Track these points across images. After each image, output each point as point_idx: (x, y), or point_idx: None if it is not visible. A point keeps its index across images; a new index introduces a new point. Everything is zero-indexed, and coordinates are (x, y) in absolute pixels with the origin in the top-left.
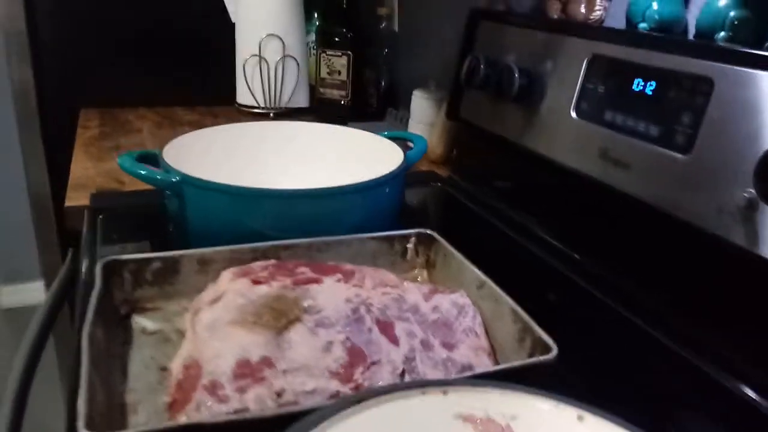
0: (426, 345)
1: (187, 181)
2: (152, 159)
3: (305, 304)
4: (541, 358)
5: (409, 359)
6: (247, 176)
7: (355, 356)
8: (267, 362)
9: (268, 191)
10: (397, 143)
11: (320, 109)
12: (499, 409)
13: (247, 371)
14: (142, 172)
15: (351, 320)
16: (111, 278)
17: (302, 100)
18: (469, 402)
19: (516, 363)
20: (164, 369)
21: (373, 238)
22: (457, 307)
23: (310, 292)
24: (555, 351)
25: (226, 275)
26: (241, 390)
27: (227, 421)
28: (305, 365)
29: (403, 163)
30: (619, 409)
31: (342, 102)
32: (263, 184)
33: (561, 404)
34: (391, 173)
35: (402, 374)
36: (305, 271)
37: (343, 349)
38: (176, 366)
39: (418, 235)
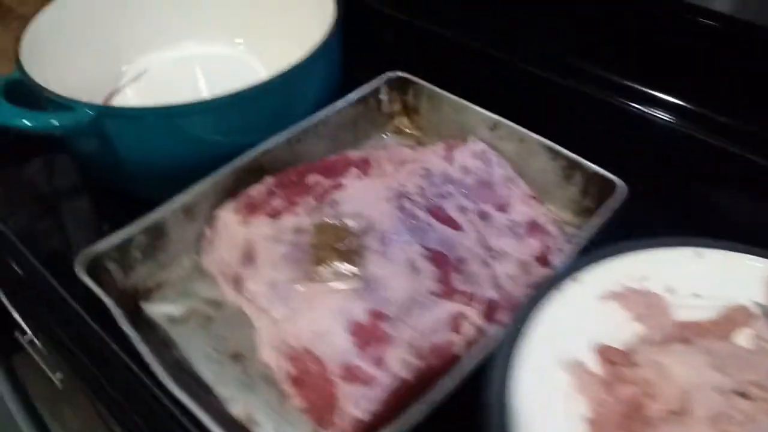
0: (483, 215)
1: (112, 113)
2: (15, 87)
3: (351, 223)
4: (616, 197)
5: (480, 240)
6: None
7: (441, 263)
8: (376, 314)
9: (218, 101)
10: None
11: None
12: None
13: (366, 334)
14: (28, 122)
15: (406, 223)
16: (99, 277)
17: None
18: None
19: (602, 214)
20: (237, 356)
21: (348, 104)
22: (482, 159)
23: (342, 206)
24: (623, 186)
25: (227, 216)
26: (378, 361)
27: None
28: (411, 300)
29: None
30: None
31: None
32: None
33: (679, 248)
34: (327, 37)
35: (485, 261)
36: (317, 179)
37: (426, 261)
38: (272, 357)
39: (388, 81)
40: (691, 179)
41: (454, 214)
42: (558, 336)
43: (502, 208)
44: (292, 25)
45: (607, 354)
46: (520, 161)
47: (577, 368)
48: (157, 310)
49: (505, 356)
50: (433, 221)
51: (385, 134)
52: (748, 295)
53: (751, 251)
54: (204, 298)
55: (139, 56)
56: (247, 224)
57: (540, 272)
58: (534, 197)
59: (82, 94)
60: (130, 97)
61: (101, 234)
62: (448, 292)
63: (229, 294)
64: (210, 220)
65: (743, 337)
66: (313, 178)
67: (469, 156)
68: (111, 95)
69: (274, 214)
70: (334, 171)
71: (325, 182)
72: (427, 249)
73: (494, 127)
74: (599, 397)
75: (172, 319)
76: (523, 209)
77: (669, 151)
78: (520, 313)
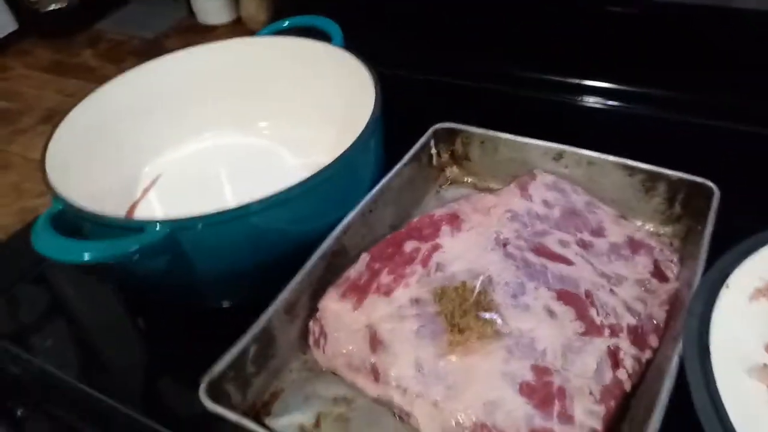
0: (584, 245)
1: (186, 225)
2: (60, 214)
3: (469, 282)
4: (714, 200)
5: (595, 270)
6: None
7: (574, 301)
8: (540, 370)
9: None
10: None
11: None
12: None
13: (539, 393)
14: (88, 255)
15: (522, 269)
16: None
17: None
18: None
19: (710, 219)
20: None
21: (404, 165)
22: (557, 189)
23: (450, 266)
24: (715, 188)
25: (335, 306)
26: (565, 418)
27: None
28: (564, 346)
29: (375, 82)
30: None
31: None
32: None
33: None
34: (373, 115)
35: (609, 290)
36: (414, 245)
37: (559, 303)
38: None
39: (435, 134)
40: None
41: (559, 250)
42: (733, 345)
43: (597, 233)
44: (316, 106)
45: None
46: (593, 185)
47: (761, 371)
48: (285, 422)
49: (698, 377)
50: (546, 261)
51: (440, 187)
52: None
53: None
54: (330, 398)
55: (156, 157)
56: (362, 309)
57: (662, 287)
58: (621, 216)
59: (106, 205)
60: (154, 204)
61: (203, 356)
62: (592, 329)
63: (369, 387)
64: (312, 314)
65: None
66: (410, 245)
67: (544, 189)
68: (134, 205)
69: (386, 292)
70: (426, 233)
71: (423, 246)
72: (554, 290)
73: (559, 156)
74: None
75: (305, 428)
76: (617, 230)
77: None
78: (690, 331)
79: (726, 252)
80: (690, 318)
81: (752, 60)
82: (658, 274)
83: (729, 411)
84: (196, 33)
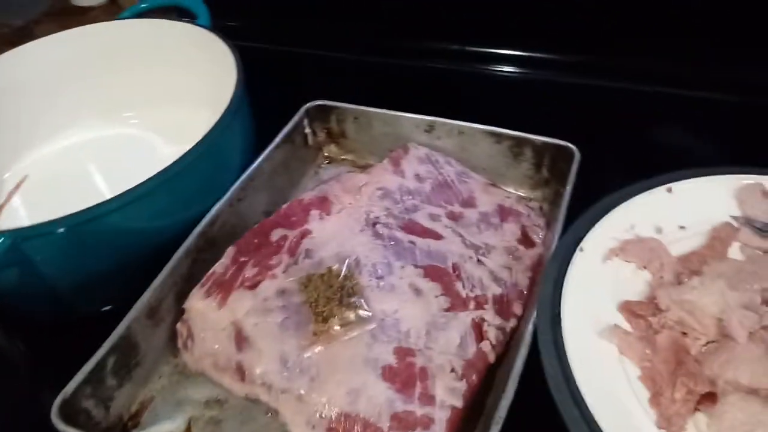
0: (454, 217)
1: (30, 234)
2: None
3: (335, 267)
4: (574, 162)
5: (463, 242)
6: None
7: (439, 276)
8: (402, 352)
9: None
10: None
11: None
12: None
13: (402, 376)
14: None
15: (390, 248)
16: (79, 425)
17: None
18: None
19: (570, 181)
20: None
21: (276, 147)
22: (429, 162)
23: (318, 252)
24: (576, 150)
25: (200, 304)
26: (426, 399)
27: None
28: (428, 324)
29: (236, 60)
30: None
31: None
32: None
33: (649, 190)
34: (235, 95)
35: (477, 261)
36: (282, 233)
37: (425, 279)
38: None
39: (308, 113)
40: (616, 128)
41: (429, 224)
42: (586, 307)
43: (467, 203)
44: (184, 89)
45: (632, 309)
46: (465, 154)
47: (614, 332)
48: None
49: (549, 343)
50: (413, 238)
51: (318, 167)
52: (724, 212)
53: (711, 172)
54: (201, 402)
55: (20, 157)
56: (227, 306)
57: (528, 253)
58: (491, 184)
59: None
60: (20, 210)
61: (54, 376)
62: (458, 303)
63: (235, 387)
64: (179, 315)
65: (734, 251)
66: (277, 233)
67: (416, 163)
68: None
69: (252, 285)
70: (294, 219)
71: (291, 233)
72: (421, 267)
73: (430, 128)
74: (642, 353)
75: None
76: (486, 198)
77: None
78: (544, 297)
79: (585, 214)
80: (544, 284)
81: (614, 17)
82: (526, 240)
83: (579, 376)
84: (69, 16)
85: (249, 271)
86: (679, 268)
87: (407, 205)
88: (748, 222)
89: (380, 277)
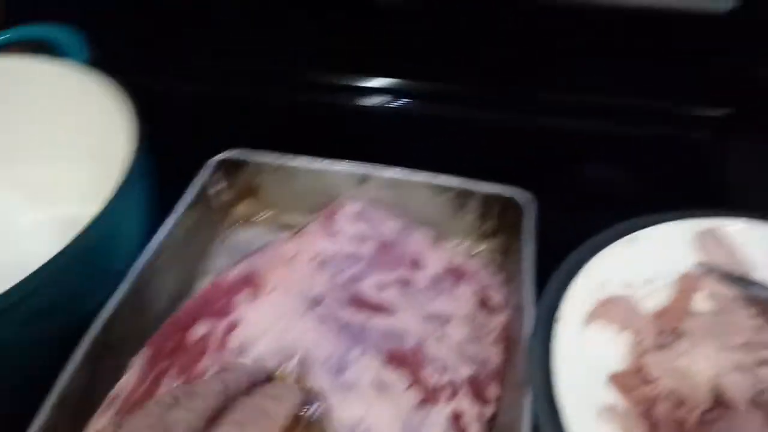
0: (404, 283)
1: None
2: None
3: (285, 374)
4: (530, 211)
5: (419, 314)
6: None
7: (403, 363)
8: None
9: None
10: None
11: None
12: None
13: None
14: None
15: (341, 334)
16: None
17: None
18: None
19: (527, 233)
20: None
21: (181, 216)
22: (365, 220)
23: (255, 347)
24: (530, 198)
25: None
26: None
27: None
28: (404, 426)
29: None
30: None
31: None
32: None
33: (612, 242)
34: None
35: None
36: (206, 327)
37: (388, 370)
38: None
39: (214, 167)
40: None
41: (378, 296)
42: (580, 387)
43: (415, 265)
44: (53, 141)
45: (623, 382)
46: (404, 206)
47: (610, 412)
48: None
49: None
50: (365, 316)
51: (228, 231)
52: (686, 260)
53: (669, 218)
54: None
55: None
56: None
57: (491, 320)
58: (438, 239)
59: None
60: None
61: None
62: (429, 394)
63: None
64: None
65: (701, 300)
66: (198, 329)
67: (353, 221)
68: None
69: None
70: (218, 306)
71: (217, 326)
72: (381, 353)
73: (364, 179)
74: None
75: None
76: (434, 257)
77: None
78: (537, 387)
79: (549, 282)
80: (533, 370)
81: (568, 53)
82: (484, 305)
83: None
84: None
85: (167, 386)
86: (657, 328)
87: (349, 275)
88: (711, 269)
89: (338, 372)
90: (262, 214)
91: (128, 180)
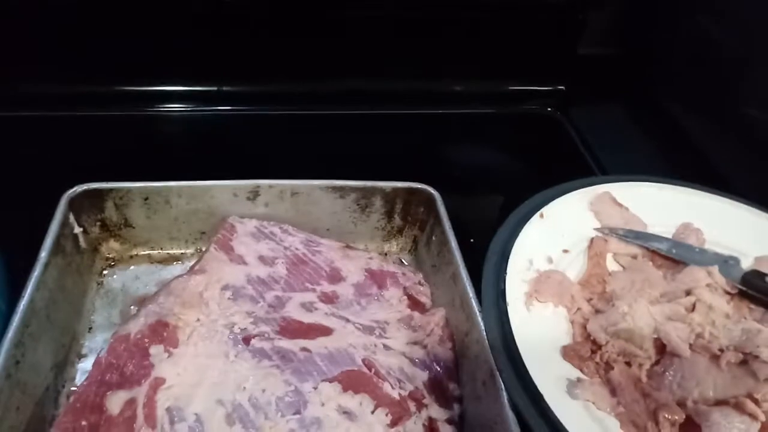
0: (329, 299)
1: None
2: None
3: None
4: (438, 203)
5: (356, 328)
6: None
7: (365, 385)
8: None
9: None
10: None
11: None
12: None
13: None
14: None
15: (285, 367)
16: None
17: None
18: None
19: (443, 224)
20: None
21: (45, 268)
22: (266, 237)
23: (189, 408)
24: (433, 192)
25: None
26: None
27: None
28: None
29: None
30: None
31: None
32: None
33: (531, 218)
34: None
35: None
36: (125, 398)
37: (355, 397)
38: None
39: (71, 204)
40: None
41: (309, 318)
42: (542, 367)
43: (334, 278)
44: None
45: (576, 354)
46: (302, 217)
47: (576, 388)
48: None
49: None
50: (302, 342)
51: (101, 277)
52: (589, 227)
53: (568, 188)
54: None
55: None
56: None
57: (428, 319)
58: (346, 246)
59: None
60: None
61: None
62: (397, 410)
63: None
64: None
65: (611, 263)
66: (115, 402)
67: (251, 242)
68: None
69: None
70: (130, 369)
71: (137, 394)
72: (334, 380)
73: (254, 194)
74: (610, 401)
75: None
76: (350, 266)
77: None
78: (502, 369)
79: (484, 268)
80: (502, 363)
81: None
82: (415, 304)
83: None
84: None
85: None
86: (586, 294)
87: (270, 301)
88: (612, 231)
89: (297, 412)
90: (136, 251)
91: None
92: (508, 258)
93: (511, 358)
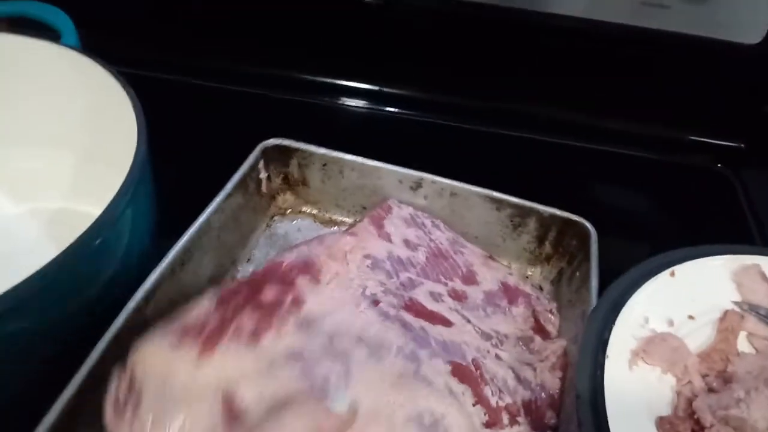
0: (458, 296)
1: None
2: None
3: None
4: (592, 239)
5: (475, 329)
6: None
7: (470, 381)
8: None
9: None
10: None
11: None
12: None
13: None
14: None
15: (408, 334)
16: None
17: None
18: None
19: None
20: None
21: (227, 196)
22: (415, 225)
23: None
24: (590, 228)
25: (161, 355)
26: None
27: None
28: None
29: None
30: None
31: None
32: None
33: (654, 276)
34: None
35: (495, 355)
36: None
37: (460, 386)
38: None
39: (264, 153)
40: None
41: (433, 306)
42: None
43: (469, 280)
44: (35, 127)
45: (670, 427)
46: (456, 219)
47: None
48: None
49: None
50: (422, 323)
51: (271, 220)
52: (726, 297)
53: (709, 252)
54: None
55: None
56: (211, 362)
57: (548, 347)
58: (488, 256)
59: None
60: None
61: None
62: (493, 416)
63: None
64: None
65: (742, 342)
66: (269, 293)
67: (402, 225)
68: None
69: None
70: (283, 281)
71: (286, 294)
72: (447, 363)
73: (417, 185)
74: None
75: None
76: (488, 274)
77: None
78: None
79: (591, 316)
80: (583, 411)
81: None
82: (540, 329)
83: None
84: None
85: (246, 320)
86: (703, 369)
87: (402, 280)
88: (752, 309)
89: (414, 364)
90: (305, 207)
91: (134, 180)
92: (620, 309)
93: (595, 413)
